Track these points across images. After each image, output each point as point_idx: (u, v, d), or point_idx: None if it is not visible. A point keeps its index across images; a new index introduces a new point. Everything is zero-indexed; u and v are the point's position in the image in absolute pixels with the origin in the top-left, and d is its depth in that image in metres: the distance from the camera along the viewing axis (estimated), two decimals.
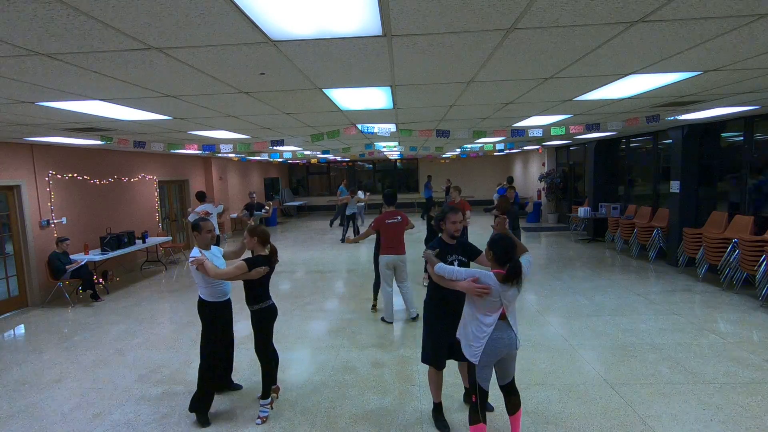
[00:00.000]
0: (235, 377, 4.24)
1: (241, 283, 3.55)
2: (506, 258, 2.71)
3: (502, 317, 2.74)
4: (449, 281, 2.85)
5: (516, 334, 2.80)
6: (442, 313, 3.31)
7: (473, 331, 2.79)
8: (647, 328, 5.21)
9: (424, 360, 3.44)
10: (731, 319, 5.45)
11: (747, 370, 4.11)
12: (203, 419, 3.57)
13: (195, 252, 3.56)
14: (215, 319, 3.72)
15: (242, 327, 5.63)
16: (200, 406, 3.59)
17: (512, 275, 2.64)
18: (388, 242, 5.62)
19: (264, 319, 3.61)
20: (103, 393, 4.14)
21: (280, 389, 4.00)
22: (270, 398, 3.67)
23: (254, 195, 9.40)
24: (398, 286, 5.82)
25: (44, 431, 3.55)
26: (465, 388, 3.70)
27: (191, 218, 8.39)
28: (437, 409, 3.47)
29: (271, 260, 3.58)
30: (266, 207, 8.93)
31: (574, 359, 4.49)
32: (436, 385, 3.44)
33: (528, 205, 7.37)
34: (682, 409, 3.53)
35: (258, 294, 3.57)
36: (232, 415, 3.69)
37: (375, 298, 6.31)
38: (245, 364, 4.59)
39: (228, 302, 3.84)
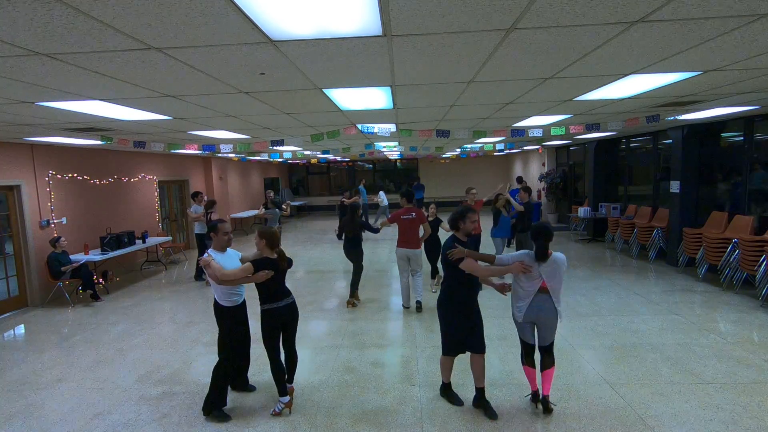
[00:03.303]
0: (251, 377, 4.22)
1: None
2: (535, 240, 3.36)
3: (544, 290, 3.35)
4: (500, 269, 3.41)
5: (556, 307, 3.38)
6: (454, 307, 3.54)
7: (519, 296, 3.43)
8: (647, 328, 5.21)
9: (445, 351, 3.65)
10: (731, 319, 5.45)
11: (747, 370, 4.11)
12: (221, 416, 3.60)
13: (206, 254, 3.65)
14: (235, 324, 3.75)
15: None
16: (214, 405, 3.62)
17: (537, 255, 3.33)
18: (402, 236, 6.01)
19: (265, 320, 3.63)
20: (103, 393, 4.14)
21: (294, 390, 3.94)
22: (288, 398, 3.68)
23: (272, 194, 9.83)
24: (411, 276, 6.22)
25: (44, 431, 3.55)
26: (477, 389, 3.63)
27: (193, 210, 8.46)
28: (447, 387, 3.76)
29: (277, 264, 3.61)
30: (284, 206, 9.70)
31: (574, 359, 4.49)
32: (447, 369, 3.73)
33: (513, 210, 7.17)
34: (682, 409, 3.53)
35: (265, 295, 3.61)
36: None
37: (351, 295, 6.56)
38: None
39: (244, 304, 3.86)
